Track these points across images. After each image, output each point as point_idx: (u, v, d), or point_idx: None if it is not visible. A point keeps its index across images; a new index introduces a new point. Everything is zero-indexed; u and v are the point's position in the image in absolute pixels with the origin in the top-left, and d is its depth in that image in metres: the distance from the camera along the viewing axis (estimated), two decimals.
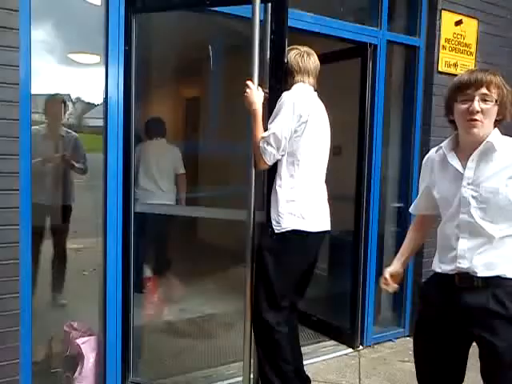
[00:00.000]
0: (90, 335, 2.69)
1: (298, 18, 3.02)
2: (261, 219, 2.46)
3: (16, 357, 2.25)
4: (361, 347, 3.55)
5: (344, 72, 3.87)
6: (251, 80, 2.34)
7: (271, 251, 2.36)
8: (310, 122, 2.33)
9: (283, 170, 2.36)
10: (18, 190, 2.23)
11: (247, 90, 2.34)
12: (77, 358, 2.64)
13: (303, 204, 2.37)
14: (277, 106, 2.32)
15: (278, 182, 2.37)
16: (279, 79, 2.44)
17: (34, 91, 2.32)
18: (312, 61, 2.45)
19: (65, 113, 3.84)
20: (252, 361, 2.47)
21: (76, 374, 2.61)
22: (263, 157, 2.31)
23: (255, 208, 2.41)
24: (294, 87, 2.41)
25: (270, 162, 2.33)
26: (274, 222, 2.35)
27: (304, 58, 2.42)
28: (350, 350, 3.51)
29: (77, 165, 3.70)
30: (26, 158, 2.27)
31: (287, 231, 2.33)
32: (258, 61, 2.34)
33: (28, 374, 2.32)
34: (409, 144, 3.75)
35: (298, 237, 2.35)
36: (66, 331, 2.76)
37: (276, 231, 2.34)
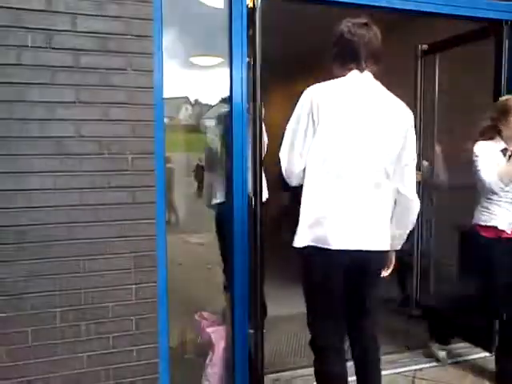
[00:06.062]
0: (219, 325, 2.81)
1: (426, 0, 2.84)
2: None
3: (155, 341, 2.42)
4: None
5: (474, 54, 3.60)
6: None
7: None
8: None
9: None
10: (154, 186, 2.39)
11: None
12: (208, 346, 2.77)
13: None
14: None
15: None
16: None
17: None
18: None
19: None
20: None
21: (207, 360, 2.74)
22: None
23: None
24: None
25: None
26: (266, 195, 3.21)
27: None
28: (487, 353, 3.25)
29: None
30: (160, 156, 2.43)
31: None
32: None
33: (165, 358, 2.48)
34: None
35: None
36: (197, 320, 2.91)
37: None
